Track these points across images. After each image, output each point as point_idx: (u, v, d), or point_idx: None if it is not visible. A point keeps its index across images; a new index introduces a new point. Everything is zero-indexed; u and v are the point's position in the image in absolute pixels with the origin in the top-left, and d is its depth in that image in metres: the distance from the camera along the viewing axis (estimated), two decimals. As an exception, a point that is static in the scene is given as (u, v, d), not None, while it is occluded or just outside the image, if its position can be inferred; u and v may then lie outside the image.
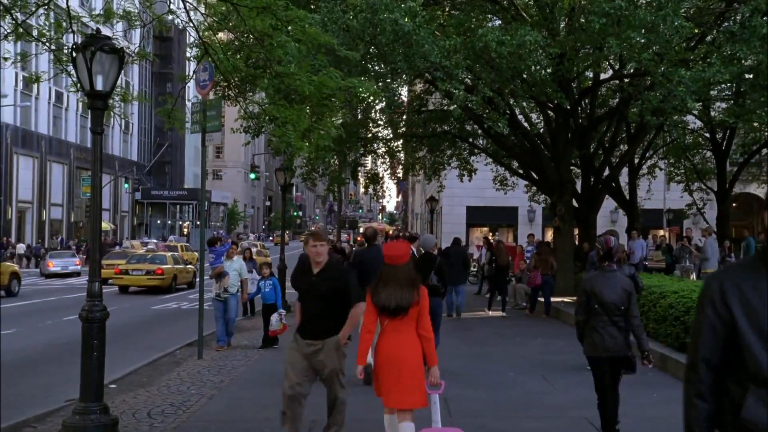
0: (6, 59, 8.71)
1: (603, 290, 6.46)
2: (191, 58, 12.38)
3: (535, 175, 21.09)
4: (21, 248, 44.74)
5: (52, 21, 8.34)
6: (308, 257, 6.12)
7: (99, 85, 7.11)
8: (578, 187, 21.27)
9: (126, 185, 64.41)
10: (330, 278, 5.93)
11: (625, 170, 23.05)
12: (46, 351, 13.33)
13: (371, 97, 13.83)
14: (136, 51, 11.84)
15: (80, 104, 46.72)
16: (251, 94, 15.16)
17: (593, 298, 6.51)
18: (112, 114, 8.99)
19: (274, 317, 13.36)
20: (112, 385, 9.39)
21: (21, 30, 7.99)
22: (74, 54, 7.12)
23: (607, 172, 21.39)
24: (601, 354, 6.52)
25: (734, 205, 31.11)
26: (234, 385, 9.52)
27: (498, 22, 18.31)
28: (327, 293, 5.93)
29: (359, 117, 21.51)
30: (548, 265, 18.12)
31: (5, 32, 8.03)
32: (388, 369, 5.58)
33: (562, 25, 16.28)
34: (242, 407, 8.36)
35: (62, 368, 11.04)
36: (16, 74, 44.52)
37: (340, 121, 11.38)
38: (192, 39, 10.73)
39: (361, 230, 77.93)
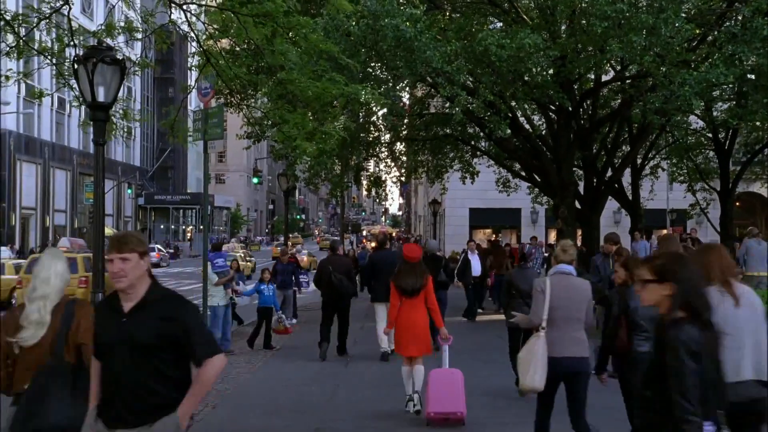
0: (8, 78, 8.73)
1: (520, 282, 9.05)
2: (192, 67, 12.41)
3: (537, 178, 21.09)
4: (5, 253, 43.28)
5: (53, 36, 8.37)
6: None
7: (101, 97, 7.16)
8: (581, 188, 21.25)
9: (129, 190, 64.49)
10: (155, 318, 3.47)
11: (627, 171, 23.03)
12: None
13: (373, 102, 13.92)
14: (138, 60, 11.84)
15: (83, 111, 46.80)
16: (253, 100, 15.20)
17: (513, 287, 9.11)
18: (114, 129, 9.00)
19: (275, 318, 13.50)
20: (117, 394, 9.39)
21: (23, 45, 8.02)
22: (76, 66, 7.17)
23: (609, 173, 21.37)
24: (514, 326, 8.69)
25: (737, 204, 31.05)
26: (238, 393, 9.52)
27: (499, 25, 18.32)
28: (149, 343, 3.44)
29: (361, 121, 21.52)
30: (502, 266, 18.35)
31: (6, 48, 8.06)
32: (406, 330, 8.16)
33: (563, 28, 16.27)
34: (246, 416, 8.36)
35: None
36: (19, 81, 44.63)
37: (341, 125, 11.32)
38: (193, 49, 10.75)
39: (364, 233, 78.35)
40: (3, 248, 37.06)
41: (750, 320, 4.34)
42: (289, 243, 67.00)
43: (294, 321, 16.14)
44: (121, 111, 10.17)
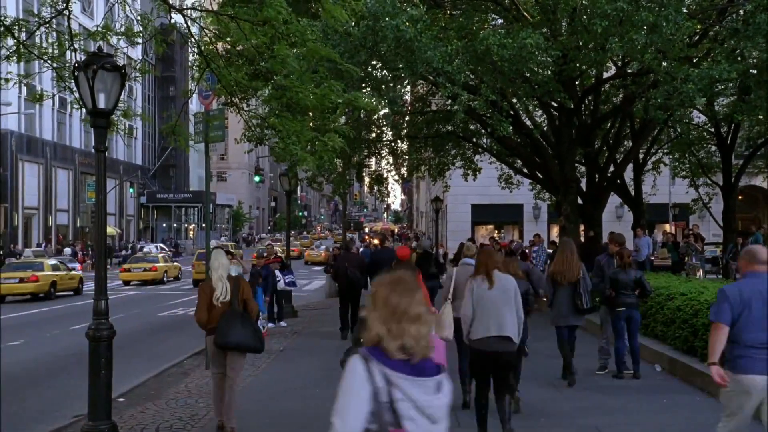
0: (8, 80, 8.72)
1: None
2: (192, 66, 12.38)
3: (539, 174, 21.04)
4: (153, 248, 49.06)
5: (53, 40, 8.34)
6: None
7: (101, 103, 7.11)
8: (583, 184, 21.19)
9: (131, 189, 64.49)
10: None
11: (629, 166, 22.96)
12: (54, 362, 13.35)
13: (373, 105, 13.97)
14: (138, 63, 11.80)
15: (84, 110, 46.78)
16: (254, 99, 15.13)
17: None
18: (115, 129, 8.96)
19: (260, 321, 13.58)
20: (121, 399, 9.40)
21: (23, 50, 7.99)
22: (76, 72, 7.12)
23: (611, 169, 21.32)
24: None
25: (740, 198, 30.97)
26: (242, 397, 9.48)
27: (500, 21, 18.24)
28: None
29: (363, 118, 21.46)
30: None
31: (6, 53, 8.03)
32: None
33: (564, 25, 16.20)
34: (250, 420, 8.34)
35: (70, 381, 11.05)
36: (20, 82, 44.55)
37: (341, 135, 11.30)
38: (193, 50, 10.71)
39: (366, 230, 78.59)
40: (152, 245, 53.63)
41: (498, 297, 6.94)
42: (309, 239, 68.50)
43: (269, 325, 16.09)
44: (122, 111, 10.13)
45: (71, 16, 8.42)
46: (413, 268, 10.53)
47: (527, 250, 21.85)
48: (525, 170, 22.44)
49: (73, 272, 30.15)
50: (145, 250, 49.79)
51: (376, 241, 31.48)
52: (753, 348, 5.05)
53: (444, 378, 2.81)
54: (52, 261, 30.19)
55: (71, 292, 28.57)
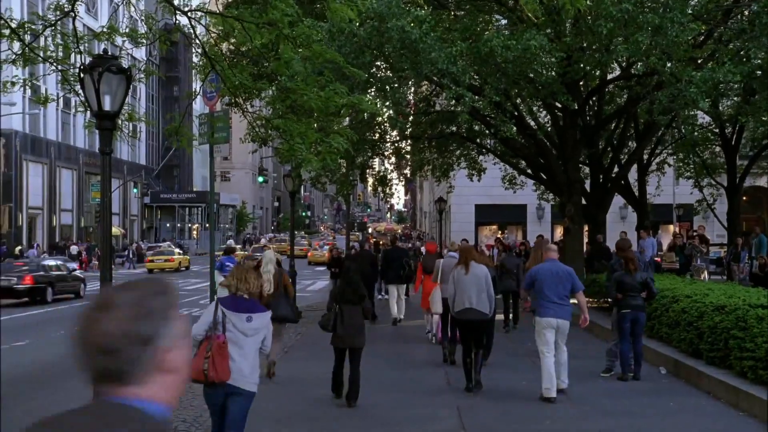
0: (14, 84, 8.74)
1: (507, 263, 14.90)
2: (196, 67, 12.39)
3: (543, 176, 21.00)
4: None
5: (59, 42, 8.34)
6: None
7: (107, 106, 7.12)
8: (587, 185, 21.15)
9: (135, 189, 64.49)
10: None
11: (634, 167, 22.92)
12: (59, 363, 13.34)
13: (376, 108, 14.04)
14: (143, 63, 11.79)
15: (89, 110, 46.71)
16: (259, 100, 15.14)
17: (504, 267, 14.80)
18: (119, 132, 8.97)
19: None
20: (125, 401, 9.38)
21: (28, 53, 8.00)
22: (82, 75, 7.13)
23: (616, 170, 21.27)
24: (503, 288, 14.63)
25: (744, 198, 30.87)
26: (246, 398, 9.48)
27: (504, 22, 18.23)
28: None
29: (366, 118, 21.41)
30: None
31: (12, 56, 8.04)
32: (428, 294, 12.85)
33: (568, 27, 16.18)
34: (255, 423, 8.32)
35: (75, 383, 11.01)
36: (24, 80, 44.58)
37: (345, 140, 11.37)
38: (197, 51, 10.72)
39: (370, 230, 78.74)
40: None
41: (472, 281, 9.37)
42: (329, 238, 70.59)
43: None
44: (126, 114, 10.13)
45: (77, 16, 8.44)
46: (436, 258, 13.65)
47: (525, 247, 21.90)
48: (529, 171, 22.41)
49: (185, 255, 47.41)
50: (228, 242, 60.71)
51: (381, 242, 32.30)
52: (547, 301, 8.99)
53: (256, 315, 5.73)
54: (178, 250, 48.54)
55: (185, 268, 43.78)
